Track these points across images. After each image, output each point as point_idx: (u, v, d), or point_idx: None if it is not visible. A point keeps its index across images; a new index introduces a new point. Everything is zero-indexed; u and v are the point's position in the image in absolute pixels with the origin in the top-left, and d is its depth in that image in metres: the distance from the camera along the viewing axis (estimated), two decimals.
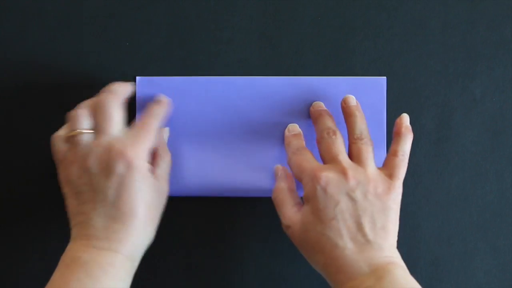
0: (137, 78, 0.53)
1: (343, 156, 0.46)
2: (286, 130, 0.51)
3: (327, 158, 0.47)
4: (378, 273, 0.42)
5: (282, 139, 0.52)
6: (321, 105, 0.51)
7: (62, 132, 0.47)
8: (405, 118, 0.49)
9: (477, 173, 0.53)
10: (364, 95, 0.52)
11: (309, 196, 0.45)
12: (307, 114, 0.52)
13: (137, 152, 0.45)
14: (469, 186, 0.52)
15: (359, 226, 0.44)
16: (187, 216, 0.53)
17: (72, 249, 0.44)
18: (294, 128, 0.51)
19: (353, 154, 0.47)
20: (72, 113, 0.47)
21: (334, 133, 0.48)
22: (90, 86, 0.53)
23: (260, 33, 0.53)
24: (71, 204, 0.46)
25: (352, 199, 0.44)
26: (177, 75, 0.53)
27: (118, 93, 0.48)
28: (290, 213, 0.46)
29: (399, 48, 0.53)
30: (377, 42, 0.53)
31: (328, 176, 0.45)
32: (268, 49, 0.53)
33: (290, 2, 0.53)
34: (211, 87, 0.53)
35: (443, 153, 0.52)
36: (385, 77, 0.52)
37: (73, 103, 0.53)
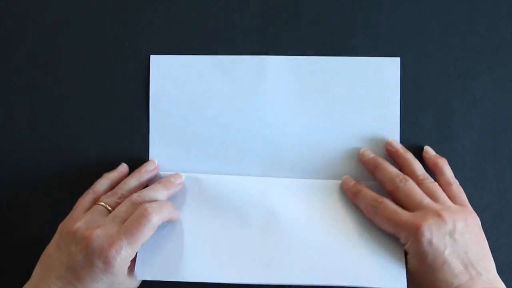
0: (151, 56, 0.52)
1: (428, 199, 0.47)
2: (344, 184, 0.51)
3: (411, 205, 0.47)
4: None
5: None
6: (369, 152, 0.51)
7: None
8: (430, 150, 0.51)
9: (477, 173, 0.53)
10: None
11: (415, 250, 0.45)
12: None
13: (118, 252, 0.43)
14: (469, 186, 0.52)
15: (468, 262, 0.44)
16: None
17: None
18: (349, 180, 0.51)
19: (426, 194, 0.48)
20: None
21: (406, 179, 0.48)
22: (90, 86, 0.53)
23: (260, 33, 0.53)
24: (35, 271, 0.45)
25: (455, 240, 0.45)
26: None
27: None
28: None
29: (399, 48, 0.53)
30: (377, 42, 0.53)
31: (429, 225, 0.45)
32: (268, 49, 0.53)
33: (290, 2, 0.53)
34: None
35: (443, 153, 0.51)
36: (398, 57, 0.52)
37: (73, 103, 0.53)
